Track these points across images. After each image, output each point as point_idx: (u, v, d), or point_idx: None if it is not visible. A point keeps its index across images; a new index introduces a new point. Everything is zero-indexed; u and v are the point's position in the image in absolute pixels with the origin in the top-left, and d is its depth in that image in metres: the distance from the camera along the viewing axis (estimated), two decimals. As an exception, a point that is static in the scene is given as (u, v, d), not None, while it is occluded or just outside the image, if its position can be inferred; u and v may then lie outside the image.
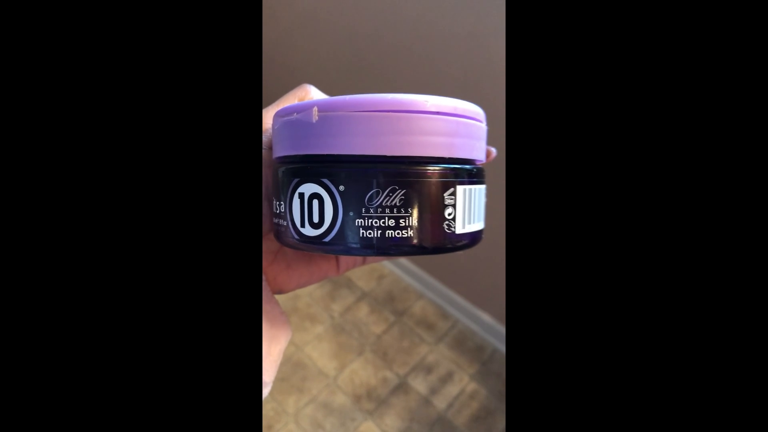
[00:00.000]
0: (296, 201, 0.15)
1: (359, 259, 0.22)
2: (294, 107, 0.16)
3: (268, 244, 0.20)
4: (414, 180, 0.15)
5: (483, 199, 0.18)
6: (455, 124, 0.15)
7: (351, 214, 0.14)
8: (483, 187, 0.17)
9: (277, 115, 0.17)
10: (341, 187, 0.14)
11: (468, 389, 0.99)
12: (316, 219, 0.15)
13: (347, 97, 0.14)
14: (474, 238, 0.17)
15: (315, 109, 0.14)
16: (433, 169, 0.15)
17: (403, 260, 1.16)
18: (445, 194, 0.15)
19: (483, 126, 0.17)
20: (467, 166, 0.16)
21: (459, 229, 0.16)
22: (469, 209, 0.16)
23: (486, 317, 1.05)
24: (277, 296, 0.20)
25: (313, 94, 0.19)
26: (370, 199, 0.14)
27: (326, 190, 0.15)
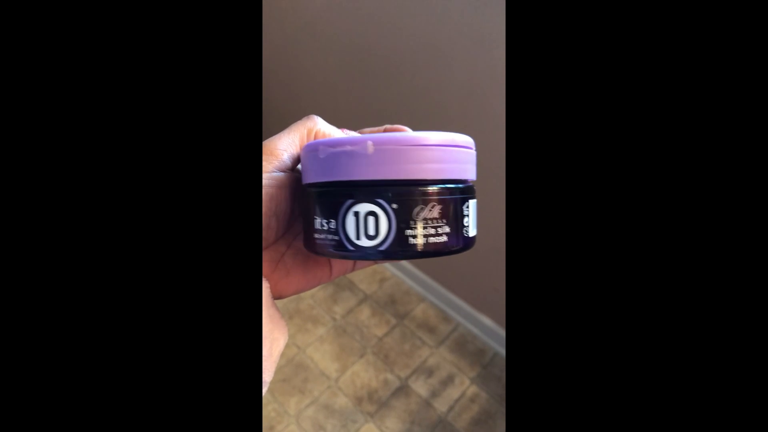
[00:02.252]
0: (350, 218, 0.18)
1: (350, 265, 0.24)
2: (337, 141, 0.19)
3: (271, 254, 0.22)
4: (447, 197, 0.19)
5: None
6: (469, 155, 0.20)
7: (402, 226, 0.18)
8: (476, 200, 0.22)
9: (315, 147, 0.19)
10: (394, 205, 0.18)
11: (469, 392, 0.99)
12: (372, 232, 0.18)
13: (398, 135, 0.18)
14: (475, 240, 0.21)
15: (370, 143, 0.18)
16: (456, 188, 0.19)
17: (405, 263, 1.17)
18: (463, 207, 0.19)
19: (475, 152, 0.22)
20: (471, 185, 0.21)
21: (471, 233, 0.20)
22: (474, 218, 0.21)
23: (487, 321, 1.06)
24: (276, 300, 0.21)
25: (320, 124, 0.22)
26: (417, 213, 0.18)
27: (381, 209, 0.18)
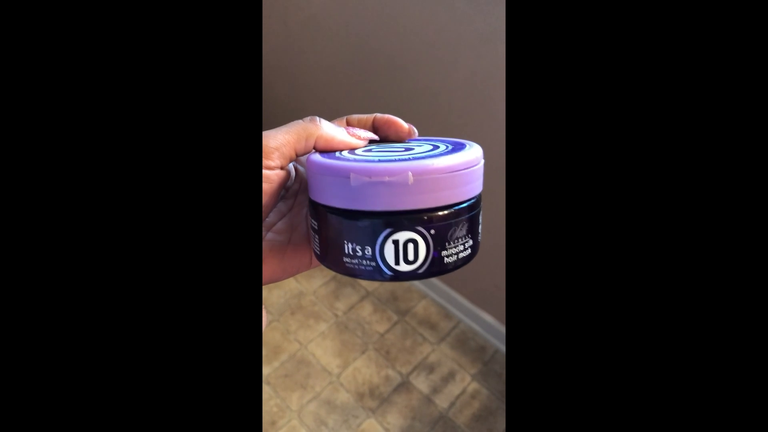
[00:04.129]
0: (389, 246, 0.19)
1: None
2: (371, 170, 0.18)
3: None
4: (472, 213, 0.20)
5: None
6: (482, 172, 0.21)
7: (439, 248, 0.19)
8: None
9: (343, 173, 0.19)
10: (432, 231, 0.19)
11: (469, 389, 1.00)
12: (411, 258, 0.19)
13: (433, 163, 0.18)
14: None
15: (410, 174, 0.18)
16: (476, 202, 0.20)
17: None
18: (480, 217, 0.21)
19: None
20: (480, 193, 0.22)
21: (481, 240, 0.22)
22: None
23: (488, 318, 1.06)
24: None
25: (323, 128, 0.21)
26: (451, 235, 0.19)
27: (420, 235, 0.19)
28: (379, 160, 0.19)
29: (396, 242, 0.19)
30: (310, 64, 1.08)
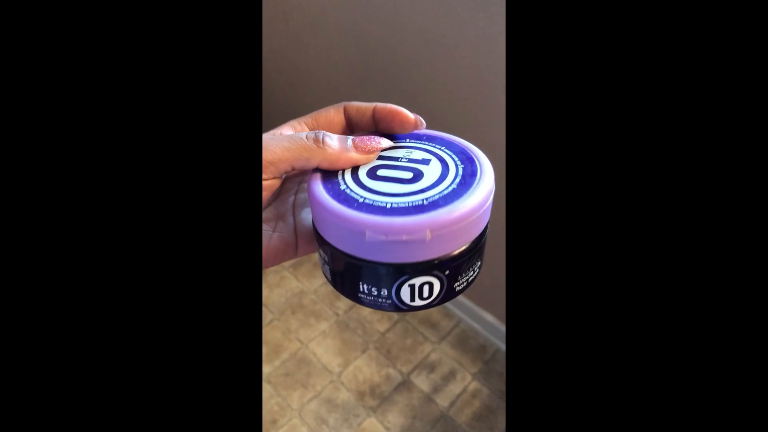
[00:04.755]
0: (406, 289, 0.19)
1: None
2: (388, 228, 0.18)
3: None
4: (482, 242, 0.20)
5: None
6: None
7: (452, 283, 0.20)
8: None
9: (358, 227, 0.18)
10: (447, 272, 0.19)
11: (470, 388, 1.00)
12: (426, 295, 0.20)
13: (452, 213, 0.18)
14: None
15: (429, 232, 0.18)
16: (485, 230, 0.21)
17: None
18: (485, 238, 0.21)
19: None
20: None
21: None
22: None
23: (489, 317, 1.06)
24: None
25: (328, 150, 0.20)
26: (464, 269, 0.20)
27: (436, 278, 0.19)
28: (392, 207, 0.18)
29: (412, 286, 0.19)
30: (312, 60, 1.08)
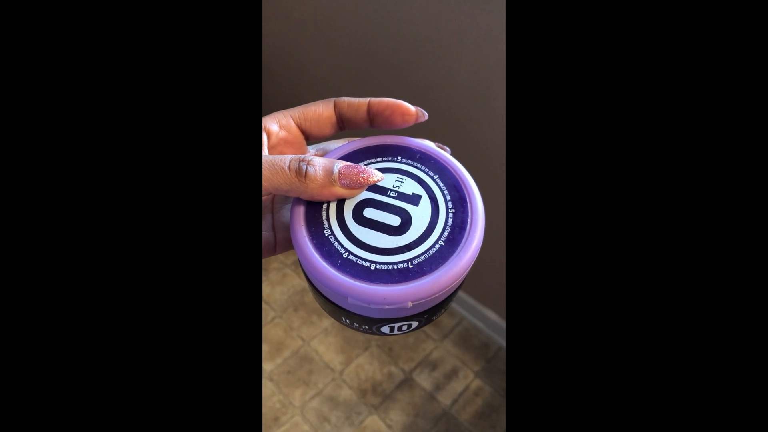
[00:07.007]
0: (385, 328, 0.20)
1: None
2: (369, 297, 0.18)
3: None
4: (461, 282, 0.20)
5: None
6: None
7: (431, 317, 0.20)
8: None
9: (342, 291, 0.18)
10: (426, 315, 0.20)
11: (472, 386, 1.00)
12: (405, 329, 0.21)
13: (436, 285, 0.18)
14: None
15: (410, 303, 0.18)
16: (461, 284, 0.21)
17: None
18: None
19: None
20: None
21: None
22: None
23: (491, 315, 1.06)
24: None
25: (311, 184, 0.19)
26: (443, 307, 0.21)
27: (417, 321, 0.20)
28: (376, 269, 0.18)
29: (392, 327, 0.20)
30: (310, 60, 1.07)
